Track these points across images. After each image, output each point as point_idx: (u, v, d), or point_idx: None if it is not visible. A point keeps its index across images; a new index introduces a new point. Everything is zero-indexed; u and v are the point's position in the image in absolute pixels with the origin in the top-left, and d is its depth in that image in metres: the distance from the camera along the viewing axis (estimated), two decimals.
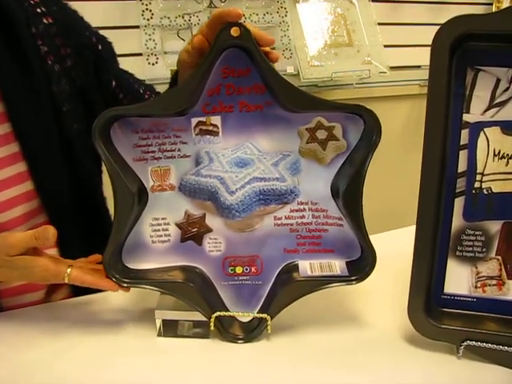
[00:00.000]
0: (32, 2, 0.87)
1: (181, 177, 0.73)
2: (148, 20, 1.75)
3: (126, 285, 0.72)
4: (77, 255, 0.77)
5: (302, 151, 0.73)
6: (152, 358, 0.70)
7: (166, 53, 1.77)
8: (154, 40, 1.75)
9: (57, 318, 0.79)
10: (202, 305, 0.72)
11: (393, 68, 2.07)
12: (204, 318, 0.73)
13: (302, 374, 0.67)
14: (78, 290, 0.87)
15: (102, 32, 0.98)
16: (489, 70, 0.64)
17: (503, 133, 0.65)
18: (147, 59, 1.75)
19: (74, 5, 0.95)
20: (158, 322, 0.74)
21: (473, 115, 0.65)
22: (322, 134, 0.71)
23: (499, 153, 0.65)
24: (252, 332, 0.73)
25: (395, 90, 2.22)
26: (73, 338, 0.74)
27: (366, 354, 0.71)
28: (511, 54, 0.63)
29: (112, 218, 0.72)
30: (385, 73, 2.04)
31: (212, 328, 0.72)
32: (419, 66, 2.20)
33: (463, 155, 0.66)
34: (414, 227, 0.67)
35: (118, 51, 0.99)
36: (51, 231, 0.68)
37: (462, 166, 0.66)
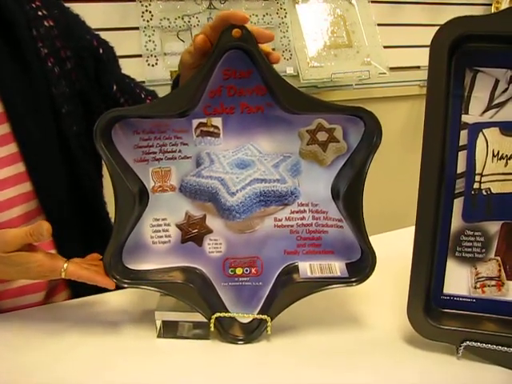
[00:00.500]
0: (34, 5, 0.87)
1: (181, 178, 0.73)
2: (148, 21, 1.75)
3: (126, 285, 0.72)
4: (75, 256, 0.77)
5: (303, 153, 0.73)
6: (152, 359, 0.70)
7: (165, 54, 1.77)
8: (153, 41, 1.76)
9: (57, 319, 0.79)
10: (202, 306, 0.72)
11: (392, 69, 2.07)
12: (204, 319, 0.73)
13: (302, 374, 0.67)
14: (78, 293, 0.87)
15: (101, 34, 0.98)
16: (487, 71, 0.64)
17: (502, 134, 0.65)
18: (147, 60, 1.75)
19: (73, 6, 0.95)
20: (158, 323, 0.74)
21: (472, 116, 0.65)
22: (322, 136, 0.72)
23: (498, 153, 0.66)
24: (252, 333, 0.73)
25: (395, 90, 2.22)
26: (73, 338, 0.74)
27: (366, 355, 0.71)
28: (510, 55, 0.63)
29: (112, 221, 0.72)
30: (384, 73, 2.05)
31: (212, 329, 0.72)
32: (419, 67, 2.20)
33: (462, 156, 0.66)
34: (413, 228, 0.67)
35: (117, 53, 0.99)
36: (45, 226, 0.68)
37: (461, 166, 0.67)
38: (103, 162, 0.70)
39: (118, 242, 0.71)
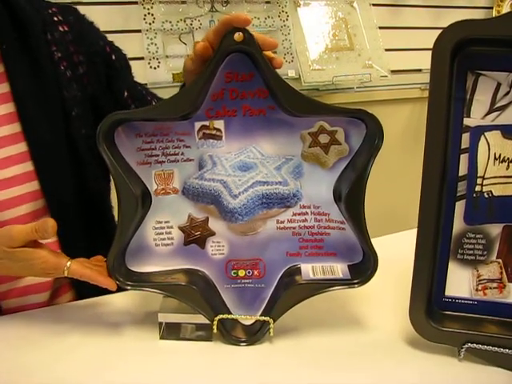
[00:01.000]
0: (50, 11, 0.91)
1: (184, 180, 0.74)
2: (150, 24, 1.75)
3: (129, 288, 0.73)
4: (80, 257, 0.78)
5: (305, 155, 0.73)
6: (155, 360, 0.70)
7: (167, 57, 1.77)
8: (155, 44, 1.76)
9: (60, 320, 0.80)
10: (205, 308, 0.72)
11: (394, 72, 2.07)
12: (207, 321, 0.73)
13: (305, 376, 0.68)
14: (83, 294, 0.88)
15: None
16: (489, 74, 0.64)
17: (504, 137, 0.65)
18: (149, 63, 1.75)
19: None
20: (161, 325, 0.74)
21: (473, 119, 0.66)
22: (324, 138, 0.72)
23: (500, 156, 0.66)
24: (255, 335, 0.73)
25: (396, 93, 2.22)
26: (75, 339, 0.74)
27: (368, 357, 0.71)
28: (511, 58, 0.63)
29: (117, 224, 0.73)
30: (386, 76, 2.05)
31: (215, 331, 0.73)
32: (420, 70, 2.21)
33: (464, 159, 0.67)
34: (415, 230, 0.67)
35: None
36: (50, 223, 0.69)
37: (463, 169, 0.67)
38: None
39: (121, 244, 0.72)
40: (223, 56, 0.66)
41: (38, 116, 0.84)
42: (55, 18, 0.90)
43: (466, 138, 0.66)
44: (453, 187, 0.67)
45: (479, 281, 0.70)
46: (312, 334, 0.76)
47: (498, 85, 0.64)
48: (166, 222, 0.75)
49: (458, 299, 0.71)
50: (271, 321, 0.73)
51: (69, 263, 0.72)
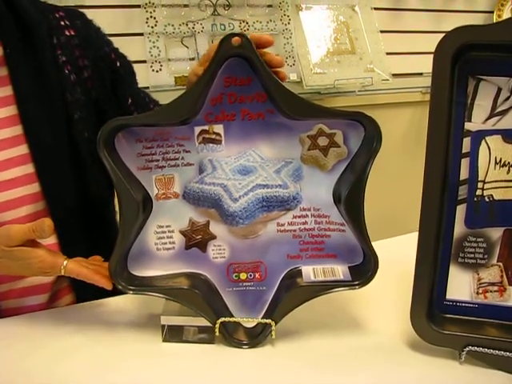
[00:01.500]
0: (57, 15, 0.91)
1: (184, 185, 0.74)
2: (152, 27, 1.75)
3: (131, 292, 0.73)
4: None
5: (304, 158, 0.74)
6: (157, 363, 0.71)
7: (169, 60, 1.78)
8: (158, 47, 1.76)
9: (61, 322, 0.80)
10: (207, 311, 0.73)
11: (395, 75, 2.07)
12: (209, 324, 0.73)
13: (306, 378, 0.68)
14: (82, 296, 0.88)
15: None
16: (490, 79, 0.64)
17: (504, 141, 0.66)
18: (151, 66, 1.75)
19: None
20: (164, 328, 0.74)
21: (474, 124, 0.66)
22: (323, 141, 0.72)
23: (500, 161, 0.66)
24: (256, 337, 0.74)
25: (397, 97, 2.22)
26: (77, 341, 0.75)
27: (369, 359, 0.71)
28: None
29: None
30: (387, 80, 2.05)
31: (217, 333, 0.73)
32: (421, 74, 2.20)
33: (465, 163, 0.67)
34: (416, 234, 0.68)
35: None
36: (47, 223, 0.70)
37: (464, 173, 0.67)
38: None
39: (122, 249, 0.72)
40: (221, 61, 0.66)
41: (39, 118, 0.84)
42: (62, 23, 0.91)
43: (466, 143, 0.66)
44: (454, 191, 0.67)
45: (480, 284, 0.70)
46: (313, 336, 0.76)
47: (499, 90, 0.65)
48: (167, 227, 0.75)
49: (459, 302, 0.72)
50: (273, 323, 0.73)
51: (65, 262, 0.73)
